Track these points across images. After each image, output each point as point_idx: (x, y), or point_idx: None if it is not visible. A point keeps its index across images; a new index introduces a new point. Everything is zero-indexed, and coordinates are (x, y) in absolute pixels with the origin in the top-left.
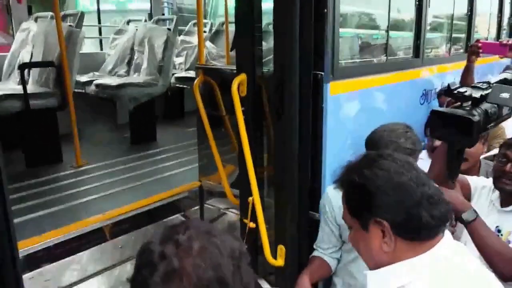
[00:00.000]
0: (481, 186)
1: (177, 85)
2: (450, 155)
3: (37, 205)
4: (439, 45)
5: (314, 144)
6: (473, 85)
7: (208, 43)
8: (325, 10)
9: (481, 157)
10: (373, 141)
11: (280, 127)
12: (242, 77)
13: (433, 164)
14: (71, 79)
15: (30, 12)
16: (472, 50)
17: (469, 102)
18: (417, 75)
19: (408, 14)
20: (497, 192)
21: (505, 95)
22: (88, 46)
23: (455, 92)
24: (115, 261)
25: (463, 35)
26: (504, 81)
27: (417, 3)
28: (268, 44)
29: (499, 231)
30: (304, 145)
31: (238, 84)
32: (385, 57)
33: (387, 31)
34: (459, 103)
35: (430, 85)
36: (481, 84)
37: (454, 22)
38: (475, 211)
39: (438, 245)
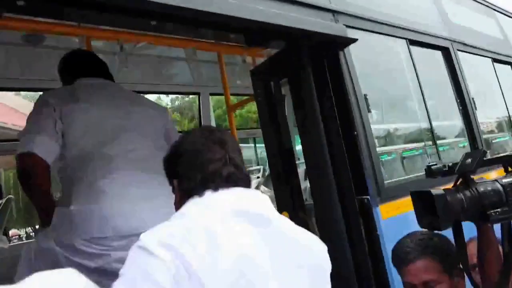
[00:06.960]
0: None
1: None
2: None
3: None
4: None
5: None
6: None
7: (262, 188)
8: (355, 132)
9: None
10: None
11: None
12: (285, 215)
13: None
14: None
15: None
16: None
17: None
18: None
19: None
20: None
21: (469, 160)
22: None
23: (430, 168)
24: None
25: None
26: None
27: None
28: None
29: None
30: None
31: None
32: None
33: (434, 141)
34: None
35: None
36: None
37: None
38: None
39: None
